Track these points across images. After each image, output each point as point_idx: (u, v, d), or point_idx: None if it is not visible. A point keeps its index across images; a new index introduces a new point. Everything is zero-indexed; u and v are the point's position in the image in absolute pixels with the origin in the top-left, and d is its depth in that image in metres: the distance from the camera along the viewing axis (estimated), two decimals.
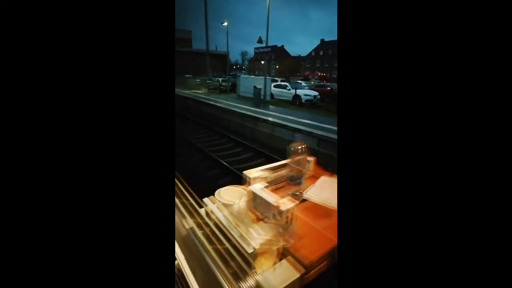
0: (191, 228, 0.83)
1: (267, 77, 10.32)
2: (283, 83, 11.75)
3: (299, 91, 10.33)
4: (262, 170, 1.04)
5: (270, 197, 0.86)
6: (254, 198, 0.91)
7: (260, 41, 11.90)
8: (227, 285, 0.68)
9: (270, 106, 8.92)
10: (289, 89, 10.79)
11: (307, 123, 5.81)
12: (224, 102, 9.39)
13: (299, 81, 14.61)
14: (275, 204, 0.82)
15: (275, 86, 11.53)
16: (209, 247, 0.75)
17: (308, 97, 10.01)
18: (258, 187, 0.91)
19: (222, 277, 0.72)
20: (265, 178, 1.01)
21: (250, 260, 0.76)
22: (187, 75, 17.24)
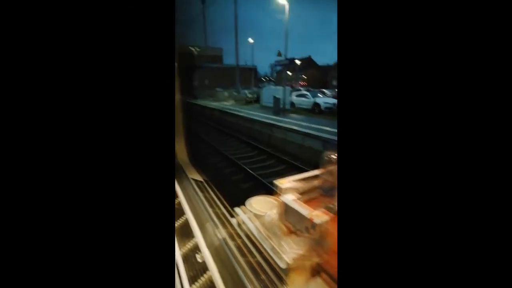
0: (224, 239, 0.82)
1: (289, 87, 10.47)
2: (303, 92, 11.95)
3: (318, 99, 10.58)
4: (293, 180, 1.01)
5: (303, 209, 0.83)
6: (286, 210, 0.88)
7: (279, 54, 12.11)
8: None
9: (290, 115, 9.24)
10: (309, 98, 10.91)
11: (314, 127, 6.24)
12: (245, 111, 9.88)
13: (324, 90, 14.54)
14: (308, 216, 0.79)
15: (296, 96, 11.78)
16: (241, 260, 0.74)
17: (327, 105, 10.23)
18: (290, 198, 0.88)
19: None
20: (297, 189, 0.98)
21: (283, 275, 0.73)
22: (218, 89, 17.72)
